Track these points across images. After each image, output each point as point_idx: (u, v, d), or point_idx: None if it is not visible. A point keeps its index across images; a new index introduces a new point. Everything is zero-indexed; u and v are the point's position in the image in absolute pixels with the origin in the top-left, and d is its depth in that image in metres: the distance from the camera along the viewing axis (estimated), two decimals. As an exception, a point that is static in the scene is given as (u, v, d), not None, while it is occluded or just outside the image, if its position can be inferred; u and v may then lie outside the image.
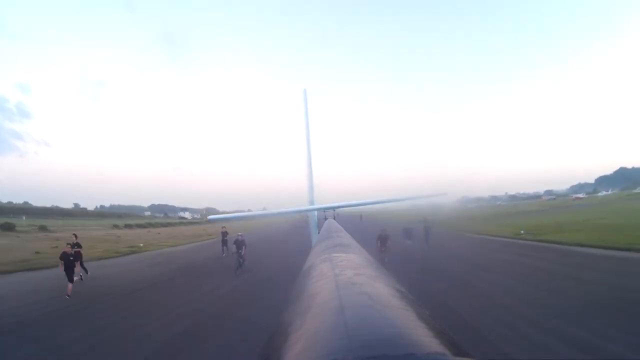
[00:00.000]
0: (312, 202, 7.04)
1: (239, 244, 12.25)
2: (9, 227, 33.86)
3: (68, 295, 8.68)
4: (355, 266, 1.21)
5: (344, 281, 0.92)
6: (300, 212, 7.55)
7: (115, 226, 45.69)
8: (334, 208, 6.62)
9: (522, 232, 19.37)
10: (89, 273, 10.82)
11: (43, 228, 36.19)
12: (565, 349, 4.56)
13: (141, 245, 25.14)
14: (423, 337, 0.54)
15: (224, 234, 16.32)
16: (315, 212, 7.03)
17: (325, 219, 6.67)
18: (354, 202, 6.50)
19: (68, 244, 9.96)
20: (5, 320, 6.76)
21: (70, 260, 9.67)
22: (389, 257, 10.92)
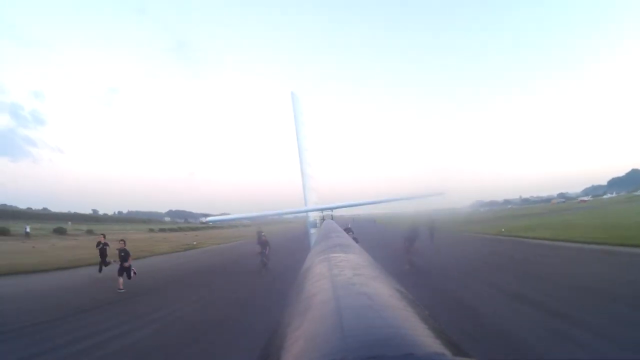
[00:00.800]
0: (306, 203, 7.05)
1: (263, 244, 12.58)
2: (61, 231, 41.12)
3: (120, 289, 10.28)
4: (354, 266, 1.21)
5: (342, 281, 0.92)
6: (298, 212, 7.59)
7: (151, 230, 51.42)
8: (331, 209, 6.64)
9: (502, 230, 24.69)
10: (134, 275, 11.37)
11: (90, 232, 43.20)
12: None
13: (195, 243, 29.69)
14: (422, 337, 0.54)
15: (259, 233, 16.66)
16: (311, 213, 7.03)
17: (323, 219, 6.68)
18: (352, 202, 6.52)
19: (102, 238, 13.01)
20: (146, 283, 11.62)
21: (104, 248, 12.37)
22: (416, 257, 11.74)
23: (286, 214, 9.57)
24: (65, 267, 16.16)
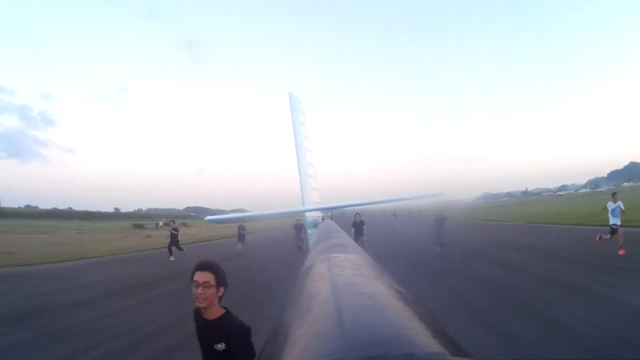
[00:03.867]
0: (304, 203, 7.02)
1: (298, 227, 14.04)
2: (140, 226, 51.68)
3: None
4: (354, 266, 1.21)
5: (342, 281, 0.92)
6: (298, 212, 7.59)
7: (184, 224, 59.10)
8: (331, 209, 6.61)
9: (475, 218, 36.54)
10: (185, 250, 15.08)
11: (163, 225, 50.91)
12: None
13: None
14: (422, 337, 0.54)
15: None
16: (310, 213, 7.01)
17: (323, 219, 6.66)
18: (352, 202, 6.49)
19: (171, 224, 15.82)
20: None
21: (175, 235, 14.66)
22: (447, 239, 12.88)
23: (286, 213, 9.54)
24: (205, 240, 27.24)
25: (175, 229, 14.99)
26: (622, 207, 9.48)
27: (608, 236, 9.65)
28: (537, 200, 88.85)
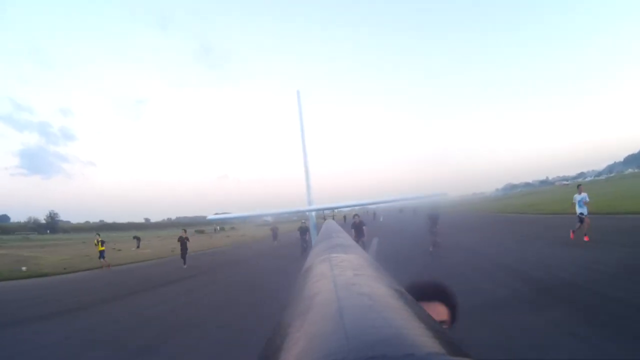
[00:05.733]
0: (309, 203, 7.02)
1: (303, 231, 14.49)
2: (201, 231, 58.76)
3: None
4: (355, 267, 1.21)
5: (343, 282, 0.92)
6: (298, 212, 7.59)
7: (218, 229, 68.51)
8: (332, 209, 6.61)
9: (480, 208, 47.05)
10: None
11: (219, 229, 65.06)
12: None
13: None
14: (422, 337, 0.54)
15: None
16: (314, 213, 7.01)
17: (324, 219, 6.66)
18: (353, 202, 6.47)
19: (182, 233, 16.04)
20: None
21: (185, 242, 14.90)
22: (441, 239, 12.67)
23: (285, 213, 9.56)
24: (256, 240, 32.18)
25: (187, 238, 15.25)
26: (587, 199, 10.39)
27: (578, 224, 10.47)
28: (546, 190, 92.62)
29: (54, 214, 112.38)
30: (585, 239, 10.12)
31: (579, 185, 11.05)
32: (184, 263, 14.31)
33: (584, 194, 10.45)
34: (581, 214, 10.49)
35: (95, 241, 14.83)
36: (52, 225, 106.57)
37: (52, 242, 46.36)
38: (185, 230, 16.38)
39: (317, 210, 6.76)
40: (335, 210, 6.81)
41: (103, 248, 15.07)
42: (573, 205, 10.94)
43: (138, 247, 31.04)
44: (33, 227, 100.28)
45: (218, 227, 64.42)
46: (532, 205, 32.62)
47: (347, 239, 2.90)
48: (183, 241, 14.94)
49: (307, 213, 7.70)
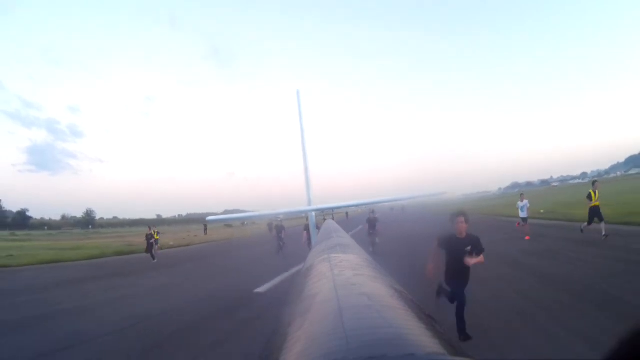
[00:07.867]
0: (310, 203, 7.03)
1: (279, 229, 14.65)
2: (229, 225, 61.79)
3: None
4: (355, 267, 1.21)
5: (343, 282, 0.92)
6: (298, 212, 7.58)
7: (245, 223, 72.07)
8: (332, 209, 6.61)
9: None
10: (156, 260, 15.67)
11: (242, 224, 68.58)
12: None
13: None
14: (422, 337, 0.54)
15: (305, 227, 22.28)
16: (314, 213, 7.01)
17: (324, 219, 6.67)
18: (354, 202, 6.47)
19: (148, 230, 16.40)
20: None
21: (151, 242, 15.55)
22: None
23: (285, 213, 9.55)
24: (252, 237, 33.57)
25: (152, 236, 16.03)
26: (528, 205, 12.46)
27: (524, 225, 12.58)
28: (538, 191, 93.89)
29: (91, 211, 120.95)
30: (527, 238, 11.70)
31: (521, 194, 13.13)
32: (153, 258, 15.99)
33: (525, 201, 12.44)
34: (523, 218, 12.52)
35: (154, 232, 17.86)
36: (92, 221, 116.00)
37: (114, 234, 53.59)
38: (149, 228, 17.91)
39: (317, 210, 6.76)
40: (335, 210, 6.80)
41: (158, 237, 18.50)
42: (517, 209, 12.96)
43: (205, 233, 38.21)
44: (72, 223, 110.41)
45: (245, 222, 70.37)
46: (494, 207, 36.36)
47: (347, 238, 2.89)
48: (149, 239, 16.11)
49: (307, 213, 7.71)
